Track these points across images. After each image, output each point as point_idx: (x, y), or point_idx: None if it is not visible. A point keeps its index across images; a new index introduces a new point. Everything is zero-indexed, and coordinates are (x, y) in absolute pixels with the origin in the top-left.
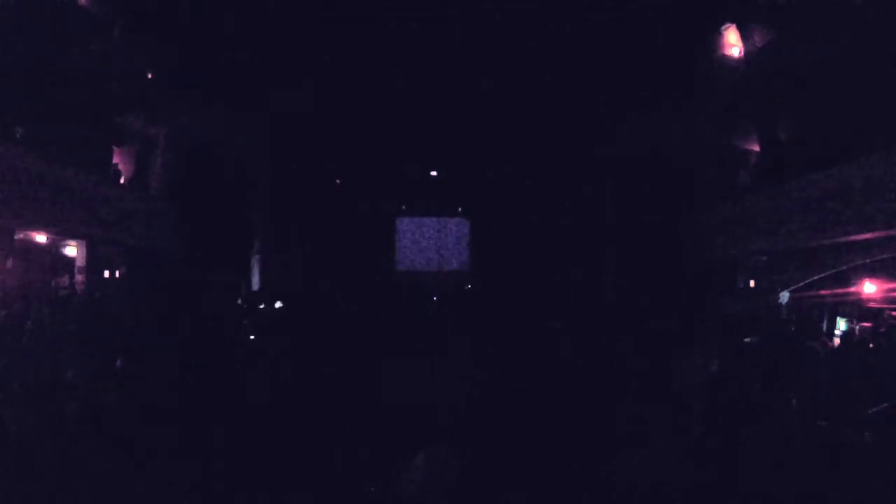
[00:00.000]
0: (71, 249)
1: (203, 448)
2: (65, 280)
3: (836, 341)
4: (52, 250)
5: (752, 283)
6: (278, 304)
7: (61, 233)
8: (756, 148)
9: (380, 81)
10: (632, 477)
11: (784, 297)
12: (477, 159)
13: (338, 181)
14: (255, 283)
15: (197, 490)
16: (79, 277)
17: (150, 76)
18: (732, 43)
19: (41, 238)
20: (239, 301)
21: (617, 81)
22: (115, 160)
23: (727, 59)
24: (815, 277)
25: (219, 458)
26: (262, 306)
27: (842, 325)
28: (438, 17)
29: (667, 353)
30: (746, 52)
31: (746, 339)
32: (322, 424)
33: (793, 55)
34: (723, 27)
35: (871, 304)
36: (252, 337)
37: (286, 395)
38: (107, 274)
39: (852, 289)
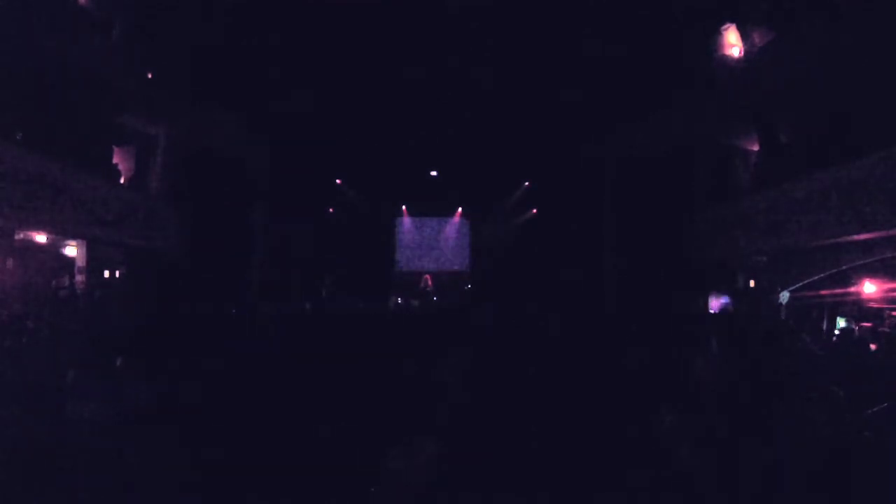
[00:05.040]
0: (71, 249)
1: (203, 447)
2: (65, 280)
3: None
4: (52, 250)
5: (752, 283)
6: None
7: (61, 233)
8: (756, 148)
9: (380, 81)
10: (639, 472)
11: (784, 297)
12: (477, 159)
13: (338, 181)
14: (255, 282)
15: (197, 489)
16: (79, 277)
17: (150, 76)
18: (732, 43)
19: (41, 238)
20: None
21: (617, 81)
22: (115, 160)
23: (727, 59)
24: (815, 277)
25: (218, 457)
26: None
27: (842, 324)
28: (438, 16)
29: (668, 353)
30: (746, 52)
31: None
32: (320, 422)
33: (793, 55)
34: (723, 27)
35: (871, 304)
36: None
37: (285, 394)
38: (107, 274)
39: (852, 289)
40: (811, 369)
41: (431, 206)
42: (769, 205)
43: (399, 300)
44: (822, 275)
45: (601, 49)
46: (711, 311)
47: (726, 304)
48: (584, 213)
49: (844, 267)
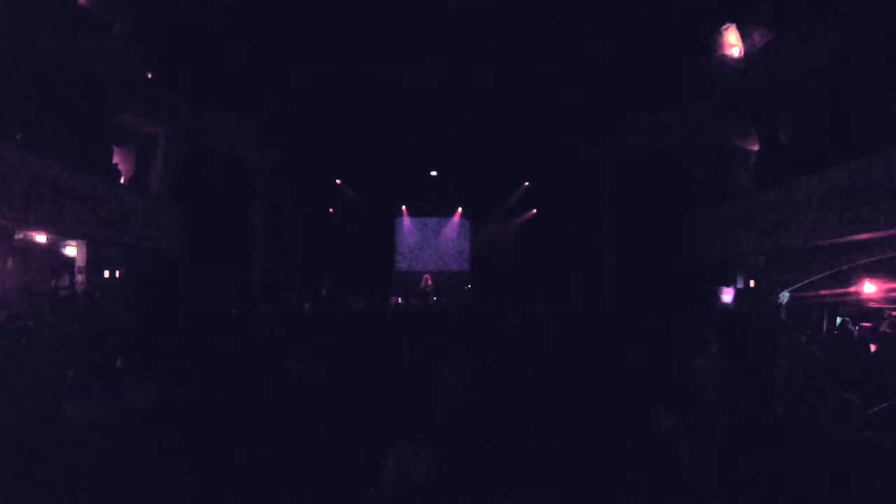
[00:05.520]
0: (71, 249)
1: (203, 447)
2: (65, 280)
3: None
4: (52, 250)
5: (752, 283)
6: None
7: (61, 233)
8: (756, 148)
9: (380, 82)
10: (639, 473)
11: (784, 297)
12: (477, 159)
13: (338, 181)
14: (255, 282)
15: (196, 489)
16: (79, 277)
17: (150, 76)
18: (732, 43)
19: (41, 238)
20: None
21: (617, 81)
22: (115, 160)
23: (727, 59)
24: (815, 277)
25: (218, 457)
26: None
27: (838, 321)
28: (438, 16)
29: (668, 353)
30: (746, 52)
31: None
32: (320, 422)
33: (793, 55)
34: (723, 27)
35: (871, 304)
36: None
37: (285, 394)
38: (107, 274)
39: (852, 289)
40: (812, 370)
41: (431, 206)
42: (769, 205)
43: (399, 300)
44: (822, 275)
45: (601, 49)
46: (724, 302)
47: (731, 300)
48: (584, 213)
49: (844, 267)
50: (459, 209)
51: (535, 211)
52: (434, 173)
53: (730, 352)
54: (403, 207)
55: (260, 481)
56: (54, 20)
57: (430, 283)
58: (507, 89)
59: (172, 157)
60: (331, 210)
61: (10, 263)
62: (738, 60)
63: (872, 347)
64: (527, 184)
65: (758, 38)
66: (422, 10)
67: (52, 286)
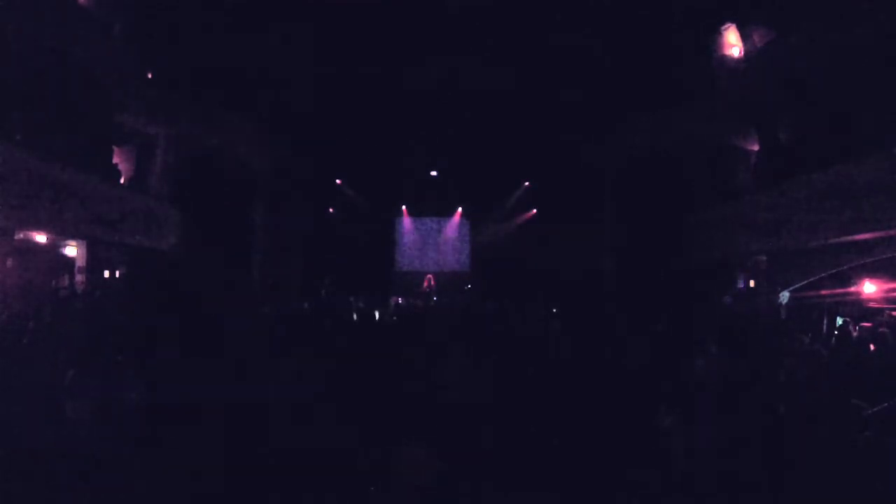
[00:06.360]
0: (71, 249)
1: (202, 447)
2: (65, 280)
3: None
4: (52, 250)
5: (752, 283)
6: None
7: (61, 233)
8: (756, 148)
9: (380, 82)
10: (639, 473)
11: (784, 297)
12: (477, 159)
13: (338, 181)
14: (255, 282)
15: (196, 489)
16: (79, 277)
17: (150, 76)
18: (732, 43)
19: (41, 238)
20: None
21: (617, 81)
22: (115, 160)
23: (727, 59)
24: (815, 277)
25: (217, 457)
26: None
27: (839, 322)
28: (438, 16)
29: (668, 353)
30: (746, 52)
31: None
32: (320, 422)
33: (793, 55)
34: (723, 27)
35: (871, 304)
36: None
37: (285, 394)
38: (107, 274)
39: (852, 289)
40: (816, 369)
41: (431, 206)
42: (769, 205)
43: (399, 300)
44: (822, 275)
45: (601, 49)
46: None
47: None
48: (584, 213)
49: (844, 267)
50: (459, 209)
51: (535, 211)
52: (434, 173)
53: (730, 352)
54: (403, 207)
55: (260, 481)
56: (54, 20)
57: (432, 282)
58: (507, 89)
59: (172, 157)
60: (331, 210)
61: (10, 263)
62: (738, 60)
63: (872, 347)
64: (527, 184)
65: (758, 38)
66: (421, 10)
67: (52, 286)
